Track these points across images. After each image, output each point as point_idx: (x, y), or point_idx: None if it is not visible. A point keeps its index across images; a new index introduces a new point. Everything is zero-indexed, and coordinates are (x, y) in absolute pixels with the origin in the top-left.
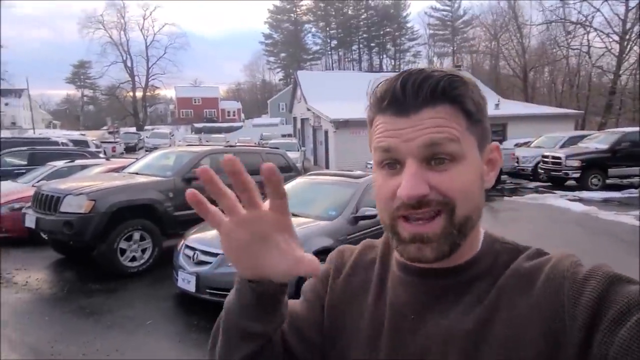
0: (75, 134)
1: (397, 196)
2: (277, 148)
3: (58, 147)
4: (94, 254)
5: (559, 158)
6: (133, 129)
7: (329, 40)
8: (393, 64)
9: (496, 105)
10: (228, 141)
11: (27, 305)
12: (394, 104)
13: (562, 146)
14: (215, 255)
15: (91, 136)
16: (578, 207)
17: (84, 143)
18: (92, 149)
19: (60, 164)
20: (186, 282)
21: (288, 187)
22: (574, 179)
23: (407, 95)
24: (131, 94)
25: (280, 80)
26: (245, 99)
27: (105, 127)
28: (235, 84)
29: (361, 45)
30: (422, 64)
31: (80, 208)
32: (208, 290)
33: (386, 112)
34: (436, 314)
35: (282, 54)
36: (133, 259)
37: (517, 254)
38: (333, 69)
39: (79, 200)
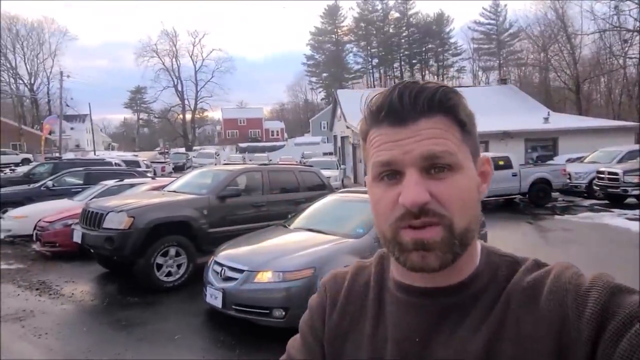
0: (129, 155)
1: (399, 204)
2: (311, 166)
3: (111, 167)
4: (133, 269)
5: (615, 174)
6: (182, 150)
7: (370, 59)
8: (436, 80)
9: (545, 119)
10: (270, 160)
11: (70, 316)
12: (392, 115)
13: (620, 161)
14: (241, 271)
15: (143, 157)
16: (638, 226)
17: (135, 163)
18: (143, 168)
19: (110, 182)
20: (213, 297)
21: (318, 205)
22: (634, 196)
23: (404, 105)
24: (181, 116)
25: (322, 99)
26: (288, 118)
27: (157, 149)
28: (279, 104)
29: (403, 63)
30: (466, 78)
31: (121, 224)
32: (234, 307)
33: (382, 123)
34: (443, 335)
35: (324, 74)
36: (169, 274)
37: (516, 266)
38: (374, 87)
39: (120, 217)
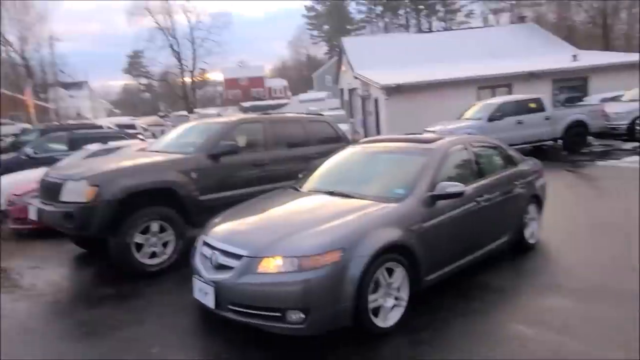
0: (125, 119)
1: None
2: (322, 114)
3: (98, 130)
4: (109, 251)
5: None
6: (184, 112)
7: (373, 7)
8: (444, 25)
9: (574, 57)
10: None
11: (19, 318)
12: None
13: None
14: (239, 257)
15: (144, 121)
16: None
17: (131, 127)
18: (138, 131)
19: (94, 147)
20: (203, 293)
21: (335, 159)
22: None
23: None
24: (181, 78)
25: (325, 54)
26: (291, 76)
27: (160, 113)
28: (281, 61)
29: (408, 9)
30: (475, 23)
31: (81, 196)
32: (231, 307)
33: None
34: None
35: (325, 27)
36: (153, 255)
37: None
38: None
39: (80, 187)
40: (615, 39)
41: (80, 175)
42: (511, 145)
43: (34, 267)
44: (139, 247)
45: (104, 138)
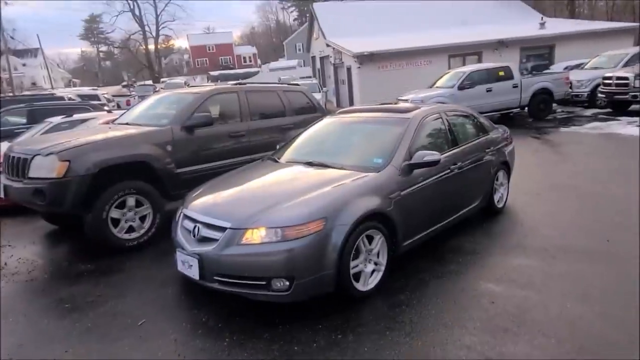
0: (86, 89)
1: None
2: (297, 84)
3: (60, 102)
4: (84, 228)
5: (625, 79)
6: (149, 82)
7: None
8: None
9: (541, 25)
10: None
11: None
12: None
13: (625, 65)
14: (222, 229)
15: (107, 91)
16: None
17: (94, 97)
18: (102, 102)
19: (57, 119)
20: (187, 266)
21: (313, 130)
22: None
23: None
24: (144, 45)
25: (294, 20)
26: (260, 43)
27: (123, 83)
28: (249, 28)
29: None
30: None
31: (52, 171)
32: (217, 278)
33: None
34: None
35: None
36: (130, 229)
37: None
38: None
39: (50, 162)
40: (580, 6)
41: (49, 150)
42: (481, 113)
43: (4, 245)
44: (116, 222)
45: (67, 110)
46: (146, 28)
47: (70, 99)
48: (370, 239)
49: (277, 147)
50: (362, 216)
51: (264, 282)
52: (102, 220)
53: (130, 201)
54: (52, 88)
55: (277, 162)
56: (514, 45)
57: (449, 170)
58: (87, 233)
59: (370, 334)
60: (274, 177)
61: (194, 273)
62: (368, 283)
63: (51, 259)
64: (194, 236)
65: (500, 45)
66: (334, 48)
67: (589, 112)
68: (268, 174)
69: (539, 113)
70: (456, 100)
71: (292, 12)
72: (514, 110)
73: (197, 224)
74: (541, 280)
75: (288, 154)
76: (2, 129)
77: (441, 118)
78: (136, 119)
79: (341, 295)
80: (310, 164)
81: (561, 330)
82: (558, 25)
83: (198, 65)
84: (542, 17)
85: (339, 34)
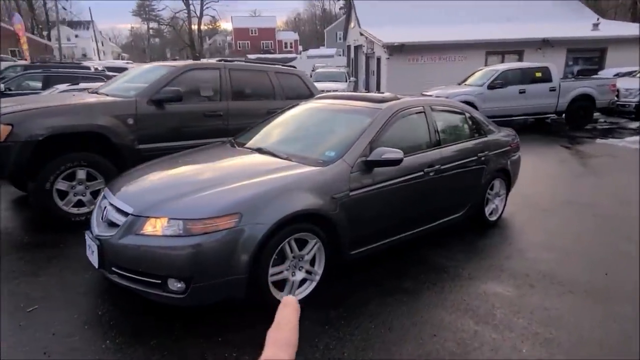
0: (120, 62)
1: None
2: (294, 67)
3: (77, 71)
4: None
5: None
6: (190, 61)
7: None
8: None
9: (594, 26)
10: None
11: None
12: None
13: None
14: (126, 214)
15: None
16: None
17: (124, 70)
18: None
19: (63, 86)
20: (90, 251)
21: (284, 115)
22: None
23: None
24: (187, 24)
25: (340, 8)
26: (303, 30)
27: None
28: (295, 14)
29: None
30: None
31: None
32: (115, 270)
33: None
34: None
35: None
36: (80, 204)
37: None
38: None
39: None
40: None
41: None
42: (511, 116)
43: None
44: (64, 194)
45: (80, 79)
46: (191, 7)
47: (96, 69)
48: (303, 243)
49: (247, 130)
50: (289, 215)
51: (159, 281)
52: (45, 191)
53: (81, 174)
54: (100, 60)
55: (233, 146)
56: (560, 46)
57: (421, 173)
58: (30, 202)
59: None
60: (212, 163)
61: (94, 260)
62: (296, 293)
63: (5, 228)
64: (102, 218)
65: (545, 44)
66: (367, 37)
67: (635, 124)
68: (209, 159)
69: (577, 121)
70: (485, 100)
71: (338, 0)
72: (550, 115)
73: (109, 206)
74: (504, 314)
75: (247, 138)
76: (20, 92)
77: (424, 112)
78: (111, 89)
79: (258, 304)
80: (260, 150)
81: None
82: (613, 28)
83: (240, 47)
84: (597, 18)
85: (373, 23)
